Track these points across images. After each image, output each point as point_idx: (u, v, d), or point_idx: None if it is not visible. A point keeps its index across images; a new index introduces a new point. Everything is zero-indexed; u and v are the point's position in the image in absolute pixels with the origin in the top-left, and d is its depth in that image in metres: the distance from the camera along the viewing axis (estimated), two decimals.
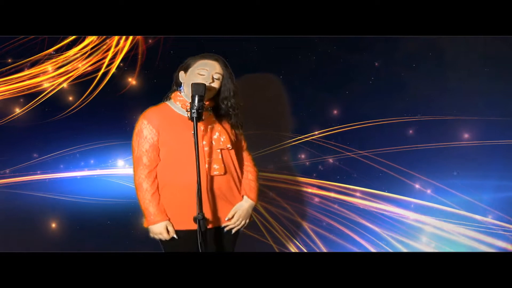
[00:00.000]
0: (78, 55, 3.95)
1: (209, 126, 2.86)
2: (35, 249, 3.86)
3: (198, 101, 2.68)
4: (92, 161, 4.06)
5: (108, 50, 3.97)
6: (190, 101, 2.71)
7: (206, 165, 2.81)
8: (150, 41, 4.02)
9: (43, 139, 4.03)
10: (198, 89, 2.71)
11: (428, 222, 4.09)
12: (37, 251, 3.86)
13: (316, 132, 4.11)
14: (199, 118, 2.68)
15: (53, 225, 4.01)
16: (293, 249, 4.10)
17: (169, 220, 2.82)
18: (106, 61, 3.96)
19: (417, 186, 4.08)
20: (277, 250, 4.07)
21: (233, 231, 2.92)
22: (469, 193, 4.05)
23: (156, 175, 2.82)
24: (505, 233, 4.02)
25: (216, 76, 2.85)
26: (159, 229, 2.80)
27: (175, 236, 2.81)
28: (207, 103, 2.85)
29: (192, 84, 2.75)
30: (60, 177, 4.03)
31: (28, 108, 3.96)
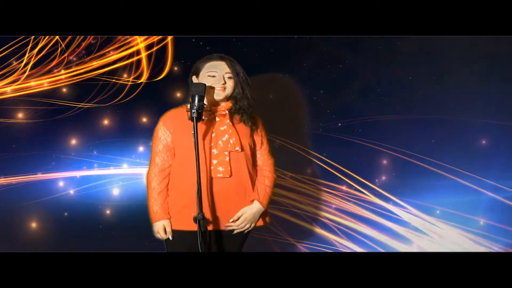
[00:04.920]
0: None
1: (221, 128, 2.87)
2: (34, 249, 3.87)
3: (198, 101, 2.70)
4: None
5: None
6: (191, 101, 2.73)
7: (212, 167, 2.82)
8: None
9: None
10: (198, 89, 2.73)
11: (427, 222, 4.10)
12: (36, 251, 3.87)
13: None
14: (199, 118, 2.71)
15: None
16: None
17: (169, 220, 2.87)
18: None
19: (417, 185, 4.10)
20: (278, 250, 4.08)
21: (235, 231, 2.90)
22: (469, 193, 4.06)
23: (166, 175, 2.90)
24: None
25: (227, 75, 2.88)
26: (157, 228, 2.87)
27: (170, 237, 2.87)
28: (229, 104, 2.89)
29: (191, 84, 2.79)
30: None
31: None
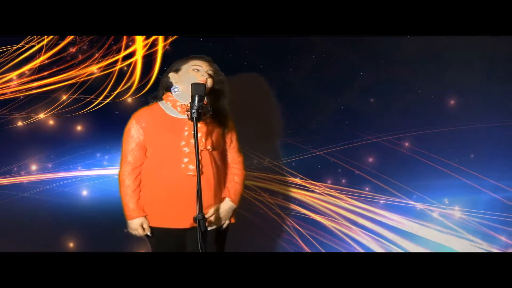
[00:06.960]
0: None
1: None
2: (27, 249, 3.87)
3: (198, 101, 2.71)
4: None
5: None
6: (190, 100, 2.74)
7: (182, 165, 2.84)
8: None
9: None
10: (198, 89, 2.74)
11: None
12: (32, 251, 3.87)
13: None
14: (199, 118, 2.71)
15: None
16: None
17: (145, 217, 2.92)
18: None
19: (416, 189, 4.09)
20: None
21: (209, 228, 2.88)
22: (469, 192, 4.06)
23: (139, 173, 2.94)
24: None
25: (210, 72, 2.94)
26: (135, 225, 2.93)
27: (149, 233, 2.93)
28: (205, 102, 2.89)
29: (192, 84, 2.79)
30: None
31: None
